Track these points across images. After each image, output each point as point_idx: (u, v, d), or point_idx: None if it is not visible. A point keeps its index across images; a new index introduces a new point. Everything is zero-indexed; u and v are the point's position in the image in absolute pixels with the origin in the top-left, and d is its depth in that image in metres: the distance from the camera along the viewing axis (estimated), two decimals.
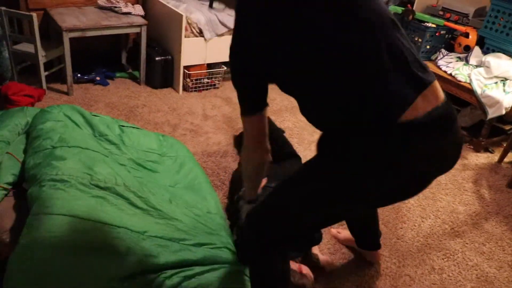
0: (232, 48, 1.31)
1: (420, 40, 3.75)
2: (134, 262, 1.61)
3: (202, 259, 1.78)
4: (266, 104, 1.40)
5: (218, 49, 3.70)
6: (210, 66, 3.80)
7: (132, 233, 1.70)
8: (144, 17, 3.65)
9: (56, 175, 1.82)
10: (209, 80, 3.81)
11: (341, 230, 2.37)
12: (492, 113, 3.24)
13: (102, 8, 3.62)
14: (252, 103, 1.38)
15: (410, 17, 3.77)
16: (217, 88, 3.90)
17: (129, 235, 1.68)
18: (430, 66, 3.72)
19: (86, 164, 1.94)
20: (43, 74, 3.31)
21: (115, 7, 3.59)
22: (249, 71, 1.32)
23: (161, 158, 2.42)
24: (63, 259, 1.52)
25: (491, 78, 3.34)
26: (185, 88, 3.75)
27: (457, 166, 3.25)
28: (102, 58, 3.89)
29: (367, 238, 2.18)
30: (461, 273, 2.28)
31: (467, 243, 2.50)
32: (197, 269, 1.76)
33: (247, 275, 1.85)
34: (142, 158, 2.33)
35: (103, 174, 1.92)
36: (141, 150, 2.40)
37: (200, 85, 3.78)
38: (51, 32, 3.51)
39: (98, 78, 3.67)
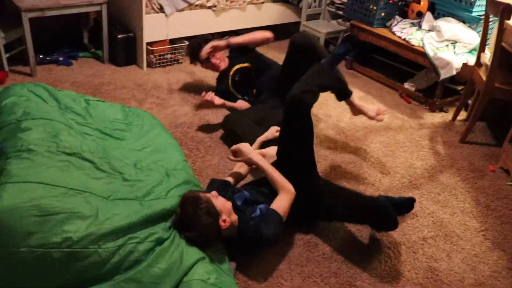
0: None
1: (375, 8, 3.87)
2: (101, 222, 1.63)
3: (171, 207, 1.85)
4: None
5: (180, 24, 3.74)
6: (172, 41, 3.83)
7: (97, 197, 1.73)
8: None
9: (22, 145, 1.82)
10: (172, 56, 3.84)
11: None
12: (444, 74, 3.41)
13: None
14: None
15: None
16: (181, 63, 3.93)
17: (94, 199, 1.71)
18: (386, 32, 3.86)
19: (51, 134, 1.94)
20: (4, 56, 3.28)
21: None
22: None
23: (127, 127, 2.44)
24: (31, 220, 1.52)
25: (442, 41, 3.50)
26: (149, 65, 3.78)
27: (414, 125, 3.42)
28: (64, 38, 3.86)
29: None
30: (419, 220, 2.44)
31: (424, 194, 2.66)
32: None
33: None
34: (109, 127, 2.35)
35: (69, 141, 1.93)
36: (107, 121, 2.41)
37: (163, 60, 3.81)
38: (7, 13, 3.44)
39: (61, 59, 3.65)
